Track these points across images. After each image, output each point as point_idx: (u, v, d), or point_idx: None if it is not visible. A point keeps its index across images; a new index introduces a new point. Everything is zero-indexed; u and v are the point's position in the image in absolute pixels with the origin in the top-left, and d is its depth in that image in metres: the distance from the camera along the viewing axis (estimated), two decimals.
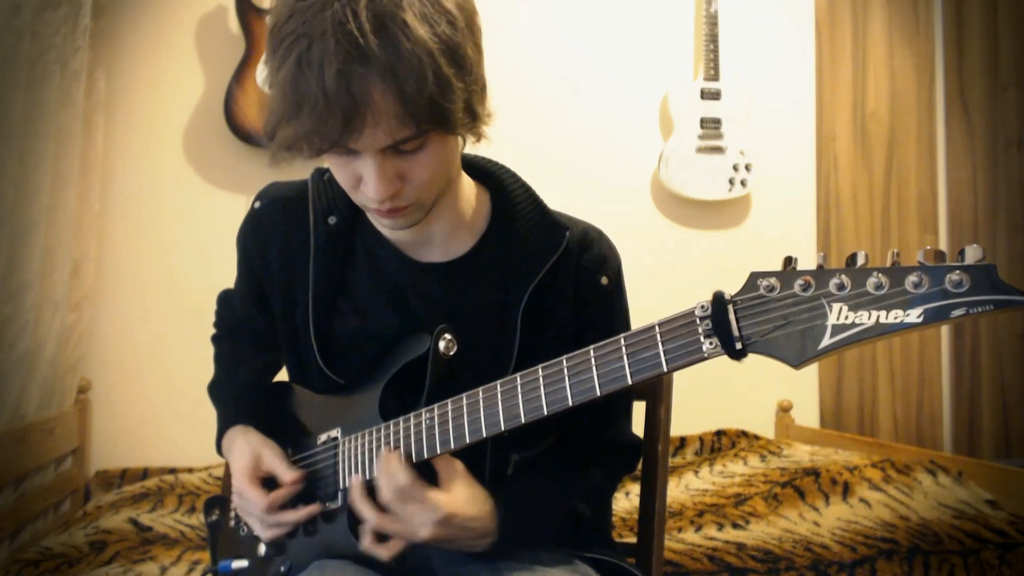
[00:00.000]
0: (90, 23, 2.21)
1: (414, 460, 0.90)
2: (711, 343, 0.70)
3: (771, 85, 2.81)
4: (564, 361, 0.79)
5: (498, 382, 0.84)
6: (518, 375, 0.82)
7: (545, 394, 0.80)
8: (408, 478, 0.87)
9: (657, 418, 1.20)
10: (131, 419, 2.44)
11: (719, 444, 2.53)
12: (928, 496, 1.77)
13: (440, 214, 0.98)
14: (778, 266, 0.68)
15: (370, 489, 0.92)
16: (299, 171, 1.10)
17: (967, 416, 2.87)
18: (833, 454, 2.12)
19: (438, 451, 0.87)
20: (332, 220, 1.01)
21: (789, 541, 1.65)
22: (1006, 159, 2.88)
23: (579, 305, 1.02)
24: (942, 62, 2.94)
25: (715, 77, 2.68)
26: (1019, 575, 1.55)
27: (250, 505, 1.01)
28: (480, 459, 0.97)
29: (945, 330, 2.92)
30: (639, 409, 1.17)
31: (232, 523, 1.13)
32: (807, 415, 2.78)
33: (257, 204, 1.07)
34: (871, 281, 0.61)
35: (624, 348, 0.75)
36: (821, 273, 0.64)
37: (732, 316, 0.68)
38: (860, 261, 0.63)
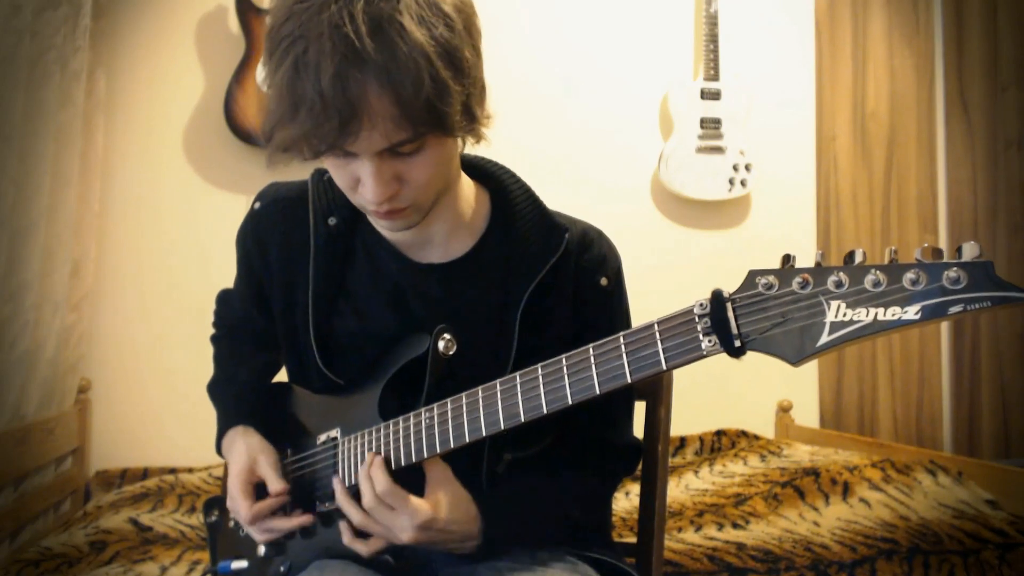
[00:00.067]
0: (90, 23, 2.21)
1: (403, 464, 0.90)
2: (710, 341, 0.70)
3: (771, 85, 2.81)
4: (564, 360, 0.79)
5: (497, 381, 0.84)
6: (517, 374, 0.82)
7: (544, 393, 0.80)
8: (387, 484, 0.87)
9: (657, 418, 1.20)
10: (131, 419, 2.44)
11: (719, 444, 2.53)
12: (928, 496, 1.77)
13: (440, 215, 0.98)
14: (777, 265, 0.68)
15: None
16: (297, 172, 1.10)
17: (967, 416, 2.87)
18: (833, 454, 2.12)
19: (438, 450, 0.88)
20: (332, 221, 1.01)
21: (789, 541, 1.65)
22: (1006, 159, 2.88)
23: (579, 305, 1.02)
24: (942, 62, 2.94)
25: (715, 77, 2.68)
26: (1019, 575, 1.55)
27: (237, 513, 1.01)
28: (477, 459, 0.97)
29: (945, 330, 2.92)
30: (639, 409, 1.17)
31: (232, 523, 1.13)
32: (807, 415, 2.78)
33: (257, 205, 1.07)
34: (869, 278, 0.61)
35: (623, 346, 0.75)
36: (819, 271, 0.64)
37: (731, 314, 0.68)
38: (858, 259, 0.63)
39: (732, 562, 1.59)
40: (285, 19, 0.79)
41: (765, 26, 2.85)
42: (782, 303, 0.66)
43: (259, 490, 1.02)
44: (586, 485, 1.05)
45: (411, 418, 0.90)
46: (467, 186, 1.03)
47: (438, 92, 0.78)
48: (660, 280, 2.57)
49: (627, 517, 1.89)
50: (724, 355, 0.70)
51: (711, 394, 2.57)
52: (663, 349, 0.73)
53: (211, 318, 1.24)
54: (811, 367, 2.82)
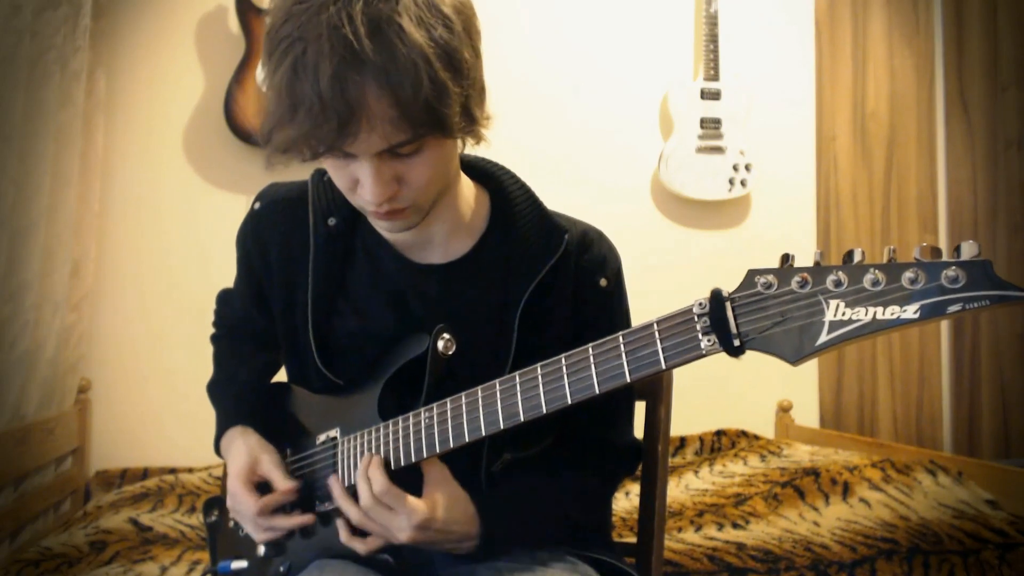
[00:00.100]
0: (90, 23, 2.21)
1: (402, 463, 0.90)
2: (709, 340, 0.70)
3: (771, 85, 2.81)
4: (563, 359, 0.79)
5: (497, 381, 0.84)
6: (517, 374, 0.82)
7: (544, 392, 0.80)
8: (385, 484, 0.88)
9: (657, 418, 1.20)
10: (131, 419, 2.44)
11: (719, 444, 2.53)
12: (928, 496, 1.77)
13: (439, 215, 0.98)
14: (776, 265, 0.68)
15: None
16: (296, 172, 1.10)
17: (967, 416, 2.87)
18: (833, 454, 2.12)
19: (437, 450, 0.88)
20: (332, 221, 1.01)
21: (789, 541, 1.65)
22: (1006, 159, 2.88)
23: (578, 306, 1.02)
24: (942, 62, 2.94)
25: (715, 77, 2.68)
26: (1019, 575, 1.55)
27: (242, 508, 1.01)
28: (477, 459, 0.97)
29: (945, 330, 2.92)
30: (639, 409, 1.17)
31: (231, 523, 1.13)
32: (807, 415, 2.78)
33: (257, 205, 1.07)
34: (868, 277, 0.61)
35: (623, 346, 0.75)
36: (818, 270, 0.64)
37: (730, 313, 0.68)
38: (857, 258, 0.63)
39: (732, 562, 1.59)
40: (284, 20, 0.79)
41: (765, 26, 2.85)
42: (781, 302, 0.66)
43: (261, 489, 1.02)
44: (586, 485, 1.05)
45: (410, 418, 0.90)
46: (467, 187, 1.03)
47: (437, 93, 0.78)
48: (660, 280, 2.57)
49: (627, 517, 1.89)
50: (724, 355, 0.70)
51: (711, 394, 2.57)
52: (662, 349, 0.73)
53: (211, 318, 1.24)
54: (811, 367, 2.82)
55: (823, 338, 0.63)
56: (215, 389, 1.16)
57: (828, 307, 0.63)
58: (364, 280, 1.02)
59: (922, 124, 2.92)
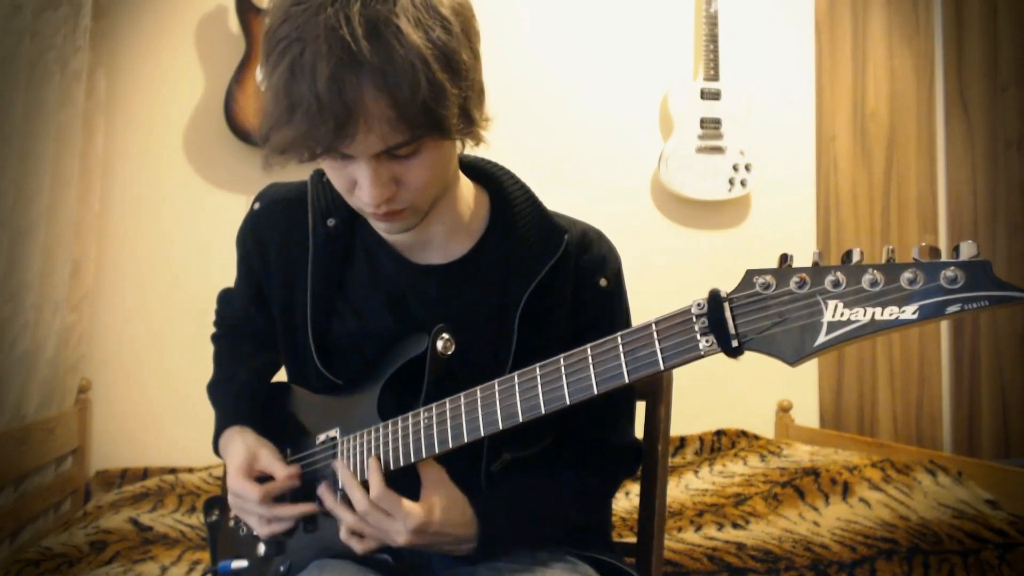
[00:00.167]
0: (90, 23, 2.21)
1: (401, 463, 0.90)
2: (707, 341, 0.69)
3: (771, 85, 2.81)
4: (561, 360, 0.79)
5: (496, 381, 0.84)
6: (516, 374, 0.82)
7: (543, 393, 0.80)
8: (380, 489, 0.88)
9: (657, 418, 1.20)
10: (131, 419, 2.44)
11: (719, 444, 2.53)
12: (928, 496, 1.77)
13: (438, 216, 0.98)
14: (775, 265, 0.68)
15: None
16: (295, 172, 1.10)
17: (967, 416, 2.87)
18: (833, 454, 2.12)
19: (436, 450, 0.88)
20: (331, 222, 1.01)
21: (789, 541, 1.65)
22: (1006, 159, 2.88)
23: (578, 306, 1.02)
24: (942, 62, 2.94)
25: (715, 77, 2.68)
26: (1019, 575, 1.55)
27: (244, 499, 1.01)
28: (476, 459, 0.97)
29: (945, 330, 2.92)
30: (639, 409, 1.17)
31: (232, 523, 1.13)
32: (807, 415, 2.78)
33: (257, 205, 1.07)
34: (866, 278, 0.61)
35: (621, 346, 0.75)
36: (817, 270, 0.64)
37: (728, 314, 0.68)
38: (855, 258, 0.63)
39: (732, 562, 1.59)
40: (282, 21, 0.79)
41: (765, 26, 2.85)
42: (780, 303, 0.66)
43: (261, 483, 1.02)
44: (586, 486, 1.05)
45: (410, 418, 0.90)
46: (466, 187, 1.03)
47: (435, 95, 0.78)
48: (660, 280, 2.56)
49: (627, 517, 1.89)
50: (723, 355, 0.70)
51: (711, 394, 2.57)
52: (661, 349, 0.72)
53: (211, 318, 1.24)
54: (811, 367, 2.82)
55: (822, 339, 0.63)
56: (215, 389, 1.16)
57: (827, 308, 0.63)
58: (363, 280, 1.02)
59: (922, 124, 2.92)
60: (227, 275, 1.17)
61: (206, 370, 1.20)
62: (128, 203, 2.48)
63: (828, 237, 2.86)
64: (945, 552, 1.57)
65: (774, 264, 0.68)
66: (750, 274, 0.68)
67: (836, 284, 0.63)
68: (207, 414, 1.14)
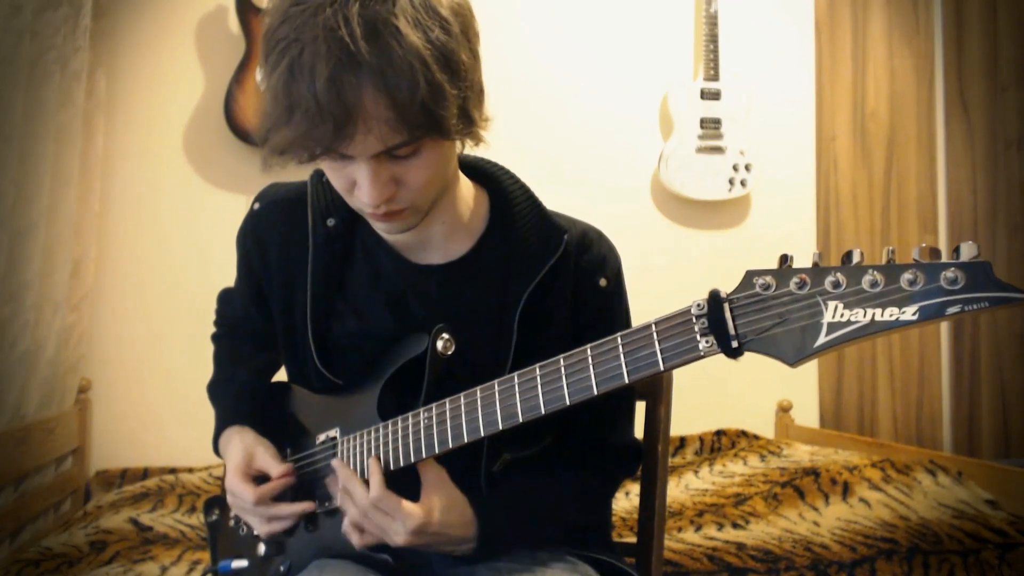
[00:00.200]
0: (90, 23, 2.21)
1: (401, 463, 0.90)
2: (707, 341, 0.69)
3: (771, 85, 2.81)
4: (561, 360, 0.79)
5: (496, 381, 0.84)
6: (516, 374, 0.82)
7: (543, 393, 0.80)
8: (379, 491, 0.88)
9: (657, 418, 1.20)
10: (131, 419, 2.44)
11: (719, 444, 2.53)
12: (928, 496, 1.77)
13: (438, 216, 0.98)
14: (775, 265, 0.68)
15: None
16: (295, 173, 1.10)
17: (967, 416, 2.87)
18: (833, 454, 2.12)
19: (436, 450, 0.88)
20: (331, 222, 1.01)
21: (789, 541, 1.65)
22: (1006, 159, 2.88)
23: (578, 306, 1.02)
24: (942, 62, 2.94)
25: (715, 77, 2.68)
26: (1019, 575, 1.55)
27: (241, 500, 1.01)
28: (476, 459, 0.97)
29: (945, 330, 2.92)
30: (639, 409, 1.17)
31: (232, 523, 1.13)
32: (807, 415, 2.78)
33: (256, 205, 1.08)
34: (866, 279, 0.61)
35: (621, 347, 0.75)
36: (817, 271, 0.64)
37: (728, 314, 0.68)
38: (856, 259, 0.63)
39: (732, 562, 1.59)
40: (281, 22, 0.79)
41: (765, 26, 2.85)
42: (779, 303, 0.66)
43: (259, 483, 1.02)
44: (586, 486, 1.05)
45: (410, 418, 0.90)
46: (466, 187, 1.03)
47: (433, 95, 0.78)
48: (660, 280, 2.57)
49: (627, 517, 1.89)
50: (723, 355, 0.70)
51: (711, 394, 2.57)
52: (661, 350, 0.72)
53: (211, 318, 1.24)
54: (811, 367, 2.82)
55: (821, 339, 0.63)
56: (215, 389, 1.17)
57: (827, 308, 0.63)
58: (363, 280, 1.02)
59: (922, 124, 2.92)
60: (227, 275, 1.17)
61: (206, 370, 1.20)
62: (128, 203, 2.48)
63: (828, 237, 2.86)
64: (945, 552, 1.57)
65: (774, 264, 0.68)
66: (750, 275, 0.68)
67: (836, 285, 0.63)
68: (207, 414, 1.14)
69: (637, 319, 0.82)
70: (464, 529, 0.91)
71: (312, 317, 1.00)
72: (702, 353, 0.70)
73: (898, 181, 2.90)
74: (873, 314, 0.61)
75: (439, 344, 0.94)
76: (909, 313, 0.59)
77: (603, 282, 1.03)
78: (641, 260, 2.58)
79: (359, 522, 0.91)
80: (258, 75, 2.41)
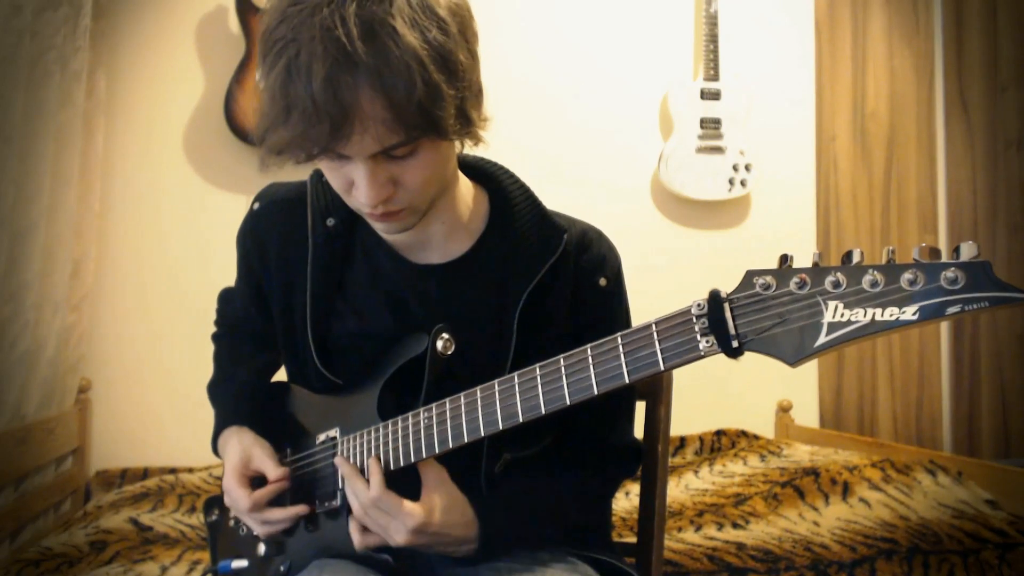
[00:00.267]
0: (90, 23, 2.21)
1: (402, 463, 0.90)
2: (707, 341, 0.69)
3: (771, 85, 2.81)
4: (561, 360, 0.79)
5: (496, 381, 0.84)
6: (516, 374, 0.82)
7: (543, 393, 0.80)
8: (379, 490, 0.88)
9: (657, 418, 1.20)
10: (131, 419, 2.44)
11: (719, 444, 2.53)
12: (928, 496, 1.77)
13: (437, 216, 0.98)
14: (775, 265, 0.68)
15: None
16: (294, 173, 1.10)
17: (967, 416, 2.87)
18: (833, 454, 2.12)
19: (436, 450, 0.88)
20: (330, 222, 1.01)
21: (789, 541, 1.65)
22: (1006, 159, 2.88)
23: (578, 306, 1.02)
24: (942, 62, 2.94)
25: (715, 77, 2.68)
26: (1019, 575, 1.55)
27: (236, 503, 1.01)
28: (476, 459, 0.97)
29: (945, 330, 2.92)
30: (639, 409, 1.17)
31: (232, 523, 1.13)
32: (807, 415, 2.78)
33: (256, 205, 1.08)
34: (867, 279, 0.61)
35: (621, 347, 0.75)
36: (817, 271, 0.64)
37: (728, 314, 0.68)
38: (856, 259, 0.63)
39: (732, 562, 1.59)
40: (278, 22, 0.79)
41: (765, 26, 2.85)
42: (780, 303, 0.66)
43: (256, 484, 1.02)
44: (586, 486, 1.05)
45: (410, 418, 0.90)
46: (465, 187, 1.03)
47: (431, 95, 0.78)
48: (660, 280, 2.57)
49: (627, 517, 1.89)
50: (723, 355, 0.70)
51: (711, 394, 2.57)
52: (661, 349, 0.72)
53: (211, 317, 1.24)
54: (811, 367, 2.82)
55: (822, 339, 0.63)
56: (215, 389, 1.17)
57: (827, 308, 0.63)
58: (363, 280, 1.02)
59: (922, 124, 2.92)
60: (227, 275, 1.17)
61: (206, 370, 1.20)
62: (128, 203, 2.48)
63: (828, 237, 2.86)
64: (945, 552, 1.57)
65: (774, 264, 0.68)
66: (750, 275, 0.68)
67: (836, 285, 0.63)
68: (207, 414, 1.14)
69: (637, 319, 0.82)
70: (465, 529, 0.91)
71: (312, 317, 1.00)
72: (702, 353, 0.70)
73: (898, 181, 2.90)
74: (873, 314, 0.61)
75: (439, 344, 0.94)
76: (909, 313, 0.59)
77: (603, 282, 1.03)
78: (641, 260, 2.58)
79: (363, 519, 0.91)
80: (258, 75, 2.40)
